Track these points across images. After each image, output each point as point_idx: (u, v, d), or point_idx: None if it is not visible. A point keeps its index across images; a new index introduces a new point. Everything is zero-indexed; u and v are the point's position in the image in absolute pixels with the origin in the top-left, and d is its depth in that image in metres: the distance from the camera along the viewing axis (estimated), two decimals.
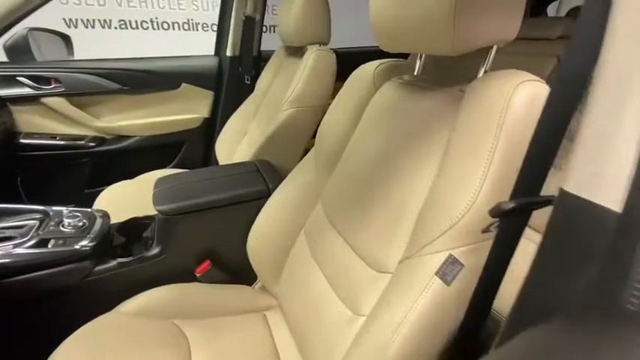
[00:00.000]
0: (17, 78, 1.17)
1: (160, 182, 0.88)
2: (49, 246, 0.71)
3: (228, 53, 1.46)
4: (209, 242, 0.86)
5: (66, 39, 1.38)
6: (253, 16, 1.40)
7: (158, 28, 2.88)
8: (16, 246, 0.69)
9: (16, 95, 1.18)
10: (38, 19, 1.16)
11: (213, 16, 2.89)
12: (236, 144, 1.29)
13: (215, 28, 3.03)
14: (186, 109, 1.47)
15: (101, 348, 0.58)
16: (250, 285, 0.89)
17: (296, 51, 1.16)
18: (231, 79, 1.49)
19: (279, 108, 1.05)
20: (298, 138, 1.09)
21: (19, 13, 1.11)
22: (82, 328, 0.64)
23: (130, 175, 1.37)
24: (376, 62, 0.68)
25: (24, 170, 1.27)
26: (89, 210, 0.85)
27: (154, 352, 0.59)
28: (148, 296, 0.73)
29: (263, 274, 0.80)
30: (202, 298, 0.76)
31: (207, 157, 1.56)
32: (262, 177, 0.92)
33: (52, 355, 0.57)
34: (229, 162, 1.27)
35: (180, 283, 0.78)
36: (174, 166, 1.50)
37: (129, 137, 1.40)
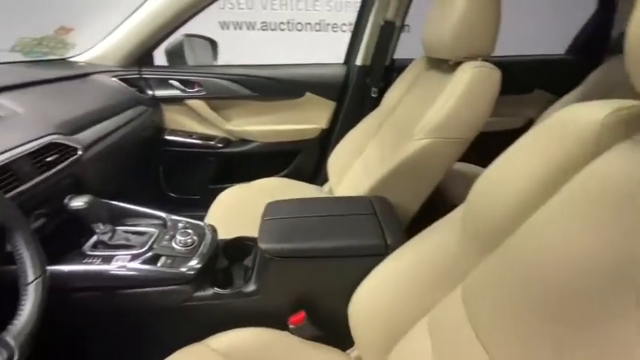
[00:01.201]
0: (169, 81, 1.30)
1: (269, 210, 0.80)
2: (159, 264, 0.70)
3: (358, 62, 1.33)
4: (309, 291, 0.74)
5: (213, 44, 1.49)
6: (393, 20, 1.21)
7: (292, 30, 3.02)
8: (133, 258, 0.70)
9: (167, 96, 1.32)
10: (198, 22, 1.28)
11: (344, 17, 2.87)
12: (350, 161, 1.15)
13: (344, 28, 2.97)
14: (306, 119, 1.41)
15: None
16: (345, 350, 0.74)
17: (442, 64, 0.93)
18: (357, 90, 1.36)
19: (410, 134, 0.85)
20: (429, 176, 0.87)
21: (184, 17, 1.26)
22: (172, 356, 0.61)
23: (247, 177, 1.39)
24: (602, 104, 0.41)
25: (165, 162, 1.43)
26: (201, 225, 0.83)
27: None
28: (238, 336, 0.66)
29: (363, 346, 0.64)
30: (292, 354, 0.66)
31: (318, 170, 1.49)
32: (379, 225, 0.74)
33: None
34: (340, 180, 1.15)
35: (271, 329, 0.69)
36: (287, 175, 1.46)
37: (251, 142, 1.43)
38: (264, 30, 3.06)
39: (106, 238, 0.74)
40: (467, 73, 0.79)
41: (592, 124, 0.39)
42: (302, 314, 0.73)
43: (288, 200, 0.85)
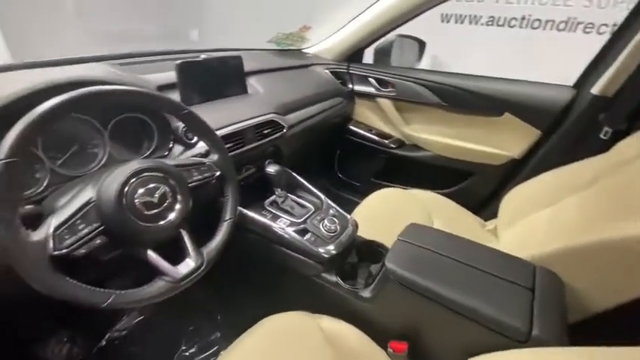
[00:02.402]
0: (369, 78, 1.42)
1: (409, 231, 0.79)
2: (305, 237, 0.84)
3: (595, 90, 1.02)
4: (420, 330, 0.70)
5: (422, 45, 1.49)
6: None
7: (525, 27, 2.56)
8: (290, 224, 0.87)
9: (363, 92, 1.45)
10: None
11: (607, 16, 2.17)
12: (534, 208, 0.93)
13: (603, 30, 2.25)
14: (496, 143, 1.24)
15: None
16: None
17: None
18: (580, 124, 1.06)
19: (632, 212, 0.61)
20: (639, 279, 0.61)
21: (405, 19, 1.32)
22: (286, 314, 0.73)
23: (409, 183, 1.40)
24: None
25: (343, 147, 1.61)
26: (347, 217, 0.92)
27: None
28: (344, 329, 0.72)
29: None
30: None
31: (489, 201, 1.30)
32: (531, 305, 0.60)
33: (257, 326, 0.69)
34: (511, 224, 0.97)
35: (370, 341, 0.71)
36: (450, 194, 1.36)
37: (424, 150, 1.39)
38: (488, 25, 2.73)
39: (279, 201, 0.94)
40: None
41: None
42: (405, 346, 0.71)
43: (434, 230, 0.81)
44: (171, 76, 0.86)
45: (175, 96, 0.84)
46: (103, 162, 0.71)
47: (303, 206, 0.96)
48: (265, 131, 0.99)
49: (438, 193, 1.24)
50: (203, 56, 1.12)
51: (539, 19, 2.45)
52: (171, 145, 0.79)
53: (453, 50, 2.81)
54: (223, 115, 0.89)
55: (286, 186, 0.98)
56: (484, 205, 1.30)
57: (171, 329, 1.10)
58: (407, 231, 0.79)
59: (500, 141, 1.23)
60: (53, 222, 0.46)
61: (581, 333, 0.59)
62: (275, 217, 0.90)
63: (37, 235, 0.44)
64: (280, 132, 1.03)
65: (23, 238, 0.43)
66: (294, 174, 1.04)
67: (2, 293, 0.60)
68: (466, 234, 0.82)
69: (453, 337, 0.66)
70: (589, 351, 0.42)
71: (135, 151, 0.78)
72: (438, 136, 1.35)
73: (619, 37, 0.99)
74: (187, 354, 1.03)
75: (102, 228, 0.50)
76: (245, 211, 0.88)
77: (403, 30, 1.38)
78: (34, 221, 0.48)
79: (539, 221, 0.89)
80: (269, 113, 1.02)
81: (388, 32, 1.37)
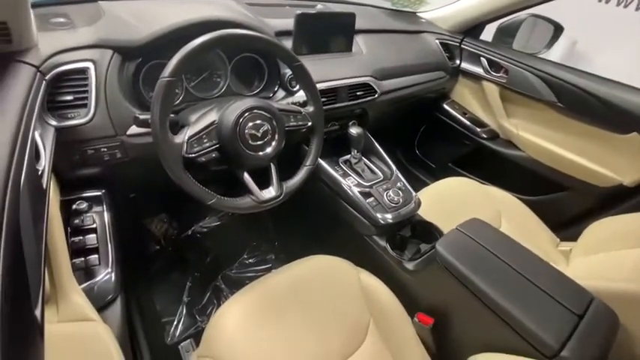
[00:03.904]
0: (481, 57, 1.30)
1: (471, 225, 0.79)
2: (367, 200, 0.91)
3: None
4: (451, 315, 0.74)
5: (557, 31, 1.29)
6: None
7: None
8: (357, 185, 0.94)
9: (469, 71, 1.35)
10: None
11: None
12: (622, 243, 0.84)
13: None
14: (608, 162, 1.08)
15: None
16: None
17: None
18: None
19: None
20: None
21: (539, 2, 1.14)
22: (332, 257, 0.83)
23: (488, 178, 1.34)
24: None
25: (430, 124, 1.56)
26: (413, 193, 0.96)
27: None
28: (375, 284, 0.80)
29: None
30: None
31: (572, 223, 1.18)
32: (572, 329, 0.59)
33: (306, 259, 0.81)
34: (587, 253, 0.90)
35: (400, 306, 0.78)
36: (532, 203, 1.24)
37: (518, 149, 1.29)
38: None
39: (353, 161, 1.01)
40: None
41: None
42: (431, 320, 0.78)
43: (496, 230, 0.80)
44: (288, 23, 0.94)
45: (288, 43, 0.93)
46: (222, 90, 0.85)
47: (373, 172, 1.02)
48: (358, 93, 1.03)
49: (518, 197, 1.17)
50: (319, 6, 1.16)
51: None
52: (276, 89, 0.90)
53: (601, 39, 2.31)
54: (325, 70, 0.95)
55: (363, 149, 1.04)
56: (566, 225, 1.18)
57: (238, 239, 1.32)
58: (468, 223, 0.80)
59: (614, 162, 1.07)
60: (188, 132, 0.61)
61: None
62: (345, 175, 0.98)
63: (177, 139, 0.59)
64: (372, 96, 1.06)
65: (170, 139, 0.58)
66: (374, 140, 1.08)
67: (139, 175, 0.82)
68: (534, 247, 0.79)
69: (480, 330, 0.69)
70: None
71: (247, 86, 0.91)
72: (542, 139, 1.22)
73: None
74: (247, 262, 1.25)
75: (218, 145, 0.64)
76: (321, 161, 0.97)
77: (539, 10, 1.21)
78: (172, 127, 0.63)
79: (619, 257, 0.81)
80: (366, 76, 1.05)
81: (519, 10, 1.21)
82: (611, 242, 0.85)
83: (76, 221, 0.67)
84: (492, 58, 1.27)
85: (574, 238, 1.01)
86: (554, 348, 0.57)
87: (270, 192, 0.71)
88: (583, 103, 1.08)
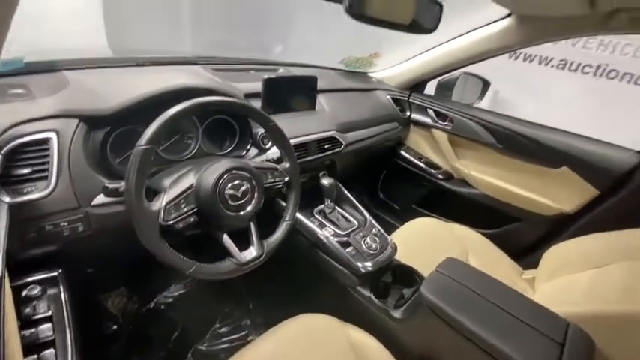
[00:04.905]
0: (427, 109, 1.47)
1: (448, 264, 0.83)
2: (347, 250, 0.91)
3: None
4: (441, 356, 0.74)
5: (485, 85, 1.51)
6: None
7: (599, 75, 2.46)
8: (335, 235, 0.95)
9: (419, 121, 1.50)
10: None
11: None
12: (579, 267, 0.92)
13: None
14: (548, 194, 1.22)
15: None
16: None
17: None
18: None
19: None
20: None
21: (474, 60, 1.35)
22: (317, 315, 0.80)
23: (449, 215, 1.42)
24: None
25: (389, 170, 1.67)
26: (388, 238, 0.98)
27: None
28: (371, 343, 0.77)
29: None
30: None
31: (530, 250, 1.28)
32: (558, 359, 0.62)
33: (289, 321, 0.77)
34: (551, 279, 0.97)
35: (393, 358, 0.76)
36: (491, 236, 1.34)
37: (471, 187, 1.41)
38: (559, 68, 2.65)
39: (327, 211, 1.03)
40: None
41: None
42: None
43: (471, 268, 0.84)
44: (255, 86, 0.99)
45: (257, 104, 0.97)
46: (194, 152, 0.84)
47: (348, 220, 1.04)
48: (326, 146, 1.09)
49: (479, 232, 1.25)
50: (281, 69, 1.25)
51: (614, 70, 2.35)
52: (248, 147, 0.91)
53: (517, 88, 2.75)
54: (294, 128, 1.00)
55: (336, 198, 1.06)
56: (525, 254, 1.28)
57: (208, 307, 1.22)
58: (445, 264, 0.83)
59: (553, 193, 1.22)
60: (165, 198, 0.59)
61: None
62: (322, 225, 0.98)
63: (154, 206, 0.56)
64: (339, 148, 1.12)
65: (146, 207, 0.55)
66: (344, 189, 1.12)
67: (101, 247, 0.75)
68: (502, 278, 0.83)
69: None
70: None
71: (218, 146, 0.91)
72: (489, 176, 1.36)
73: None
74: (220, 332, 1.14)
75: (196, 210, 0.62)
76: (297, 214, 0.97)
77: (470, 68, 1.42)
78: (145, 194, 0.61)
79: (582, 280, 0.88)
80: (331, 130, 1.11)
81: (454, 70, 1.42)
82: (570, 266, 0.93)
83: (27, 310, 0.57)
84: (437, 109, 1.44)
85: (534, 264, 1.09)
86: None
87: (251, 252, 0.69)
88: (518, 144, 1.25)
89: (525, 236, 1.31)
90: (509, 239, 1.32)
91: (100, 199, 0.64)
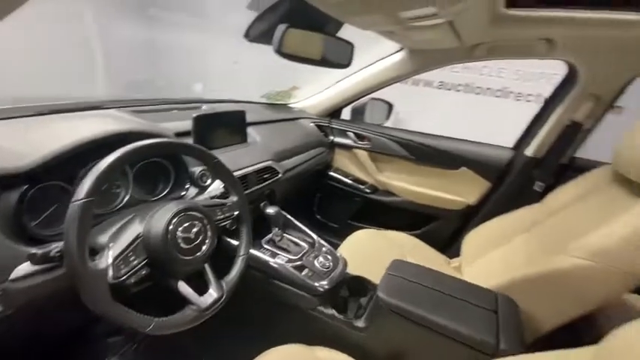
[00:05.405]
0: (347, 132, 1.62)
1: (395, 266, 0.92)
2: (302, 273, 0.93)
3: (529, 152, 1.30)
4: (408, 353, 0.81)
5: (390, 107, 1.75)
6: (582, 123, 1.15)
7: (470, 92, 3.07)
8: (288, 261, 0.96)
9: (342, 143, 1.65)
10: None
11: (531, 88, 2.71)
12: (490, 247, 1.13)
13: (530, 99, 2.82)
14: (455, 191, 1.46)
15: None
16: None
17: (633, 184, 0.84)
18: (519, 179, 1.32)
19: (566, 247, 0.80)
20: (579, 299, 0.79)
21: (381, 87, 1.57)
22: (287, 346, 0.79)
23: (382, 225, 1.56)
24: None
25: (323, 191, 1.76)
26: (338, 255, 1.03)
27: None
28: (334, 356, 0.79)
29: None
30: None
31: (452, 242, 1.49)
32: (497, 324, 0.74)
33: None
34: (473, 261, 1.14)
35: None
36: (419, 235, 1.52)
37: (395, 195, 1.58)
38: (439, 88, 3.23)
39: (277, 239, 1.03)
40: None
41: None
42: None
43: (415, 265, 0.95)
44: (184, 124, 0.97)
45: (189, 141, 0.94)
46: (124, 201, 0.77)
47: (297, 245, 1.06)
48: (265, 176, 1.11)
49: (408, 234, 1.41)
50: (204, 107, 1.24)
51: (479, 87, 2.99)
52: (187, 187, 0.88)
53: (409, 107, 3.26)
54: (230, 162, 0.99)
55: (282, 226, 1.08)
56: (449, 245, 1.48)
57: None
58: (393, 266, 0.92)
59: (458, 190, 1.46)
60: (110, 253, 0.53)
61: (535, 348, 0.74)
62: (274, 255, 0.98)
63: (100, 264, 0.51)
64: (277, 176, 1.16)
65: (91, 267, 0.49)
66: (287, 214, 1.14)
67: (20, 328, 0.62)
68: (436, 270, 0.96)
69: (435, 356, 0.77)
70: (543, 355, 0.56)
71: (150, 191, 0.85)
72: (406, 183, 1.55)
73: (545, 109, 1.29)
74: None
75: (147, 260, 0.57)
76: None
77: (375, 94, 1.64)
78: None
79: (496, 258, 1.07)
80: (267, 160, 1.14)
81: (364, 96, 1.62)
82: (484, 248, 1.12)
83: None
84: (356, 131, 1.60)
85: (457, 253, 1.28)
86: (493, 344, 0.70)
87: (211, 295, 0.66)
88: (426, 154, 1.47)
89: (445, 230, 1.52)
90: (434, 235, 1.51)
91: (23, 269, 0.53)
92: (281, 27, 0.78)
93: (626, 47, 0.99)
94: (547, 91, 1.33)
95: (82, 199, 0.49)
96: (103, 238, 0.58)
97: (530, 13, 0.93)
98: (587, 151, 1.26)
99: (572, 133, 1.17)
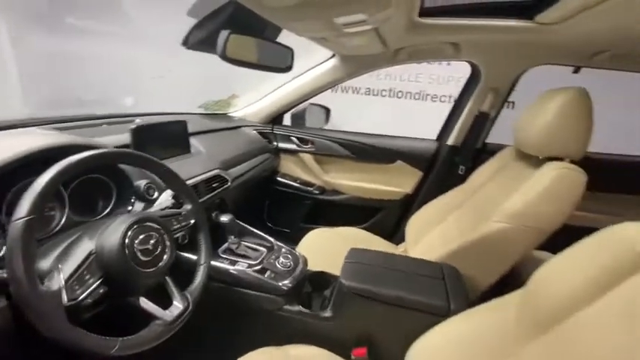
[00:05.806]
0: (290, 137, 1.67)
1: (352, 254, 0.98)
2: (265, 275, 0.93)
3: (450, 142, 1.49)
4: (374, 331, 0.87)
5: (328, 112, 1.84)
6: (488, 112, 1.37)
7: (393, 96, 3.37)
8: (249, 266, 0.95)
9: (286, 148, 1.68)
10: None
11: (444, 90, 3.10)
12: (429, 227, 1.26)
13: (443, 99, 3.20)
14: (394, 183, 1.60)
15: None
16: None
17: (530, 158, 1.03)
18: (445, 165, 1.50)
19: (489, 216, 0.95)
20: (503, 257, 0.94)
21: (317, 92, 1.64)
22: (258, 351, 0.79)
23: (333, 223, 1.62)
24: None
25: (272, 197, 1.76)
26: (297, 254, 1.06)
27: None
28: (312, 352, 0.81)
29: None
30: None
31: (397, 229, 1.62)
32: (445, 289, 0.85)
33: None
34: (416, 243, 1.26)
35: (335, 356, 0.82)
36: (367, 228, 1.62)
37: (342, 193, 1.67)
38: (366, 95, 3.49)
39: (234, 247, 1.02)
40: (551, 172, 0.88)
41: (636, 244, 0.49)
42: (364, 350, 0.86)
43: (369, 250, 1.02)
44: (119, 138, 0.91)
45: None
46: (61, 224, 0.70)
47: (255, 250, 1.06)
48: (214, 185, 1.08)
49: (358, 227, 1.50)
50: (138, 120, 1.18)
51: (401, 91, 3.31)
52: (133, 201, 0.82)
53: (342, 113, 3.47)
54: (178, 172, 0.96)
55: (238, 233, 1.06)
56: (394, 233, 1.61)
57: None
58: (350, 254, 0.98)
59: (396, 181, 1.60)
60: (62, 275, 0.48)
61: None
62: (232, 262, 0.97)
63: (52, 287, 0.46)
64: (226, 185, 1.14)
65: (43, 290, 0.44)
66: (244, 223, 1.13)
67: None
68: None
69: (398, 328, 0.84)
70: (479, 310, 0.68)
71: (90, 211, 0.78)
72: (352, 181, 1.65)
73: (458, 104, 1.50)
74: None
75: (104, 278, 0.53)
76: None
77: (313, 99, 1.72)
78: None
79: (435, 235, 1.21)
80: (215, 169, 1.12)
81: (303, 101, 1.68)
82: (424, 229, 1.25)
83: None
84: (299, 136, 1.65)
85: (403, 239, 1.40)
86: (445, 307, 0.80)
87: (176, 307, 0.64)
88: (366, 151, 1.59)
89: (389, 219, 1.65)
90: (380, 226, 1.63)
91: None
92: (224, 33, 0.79)
93: (514, 48, 1.22)
94: (457, 92, 1.56)
95: (23, 217, 0.44)
96: (47, 262, 0.53)
97: (438, 22, 1.09)
98: (493, 137, 1.51)
99: (482, 122, 1.39)
